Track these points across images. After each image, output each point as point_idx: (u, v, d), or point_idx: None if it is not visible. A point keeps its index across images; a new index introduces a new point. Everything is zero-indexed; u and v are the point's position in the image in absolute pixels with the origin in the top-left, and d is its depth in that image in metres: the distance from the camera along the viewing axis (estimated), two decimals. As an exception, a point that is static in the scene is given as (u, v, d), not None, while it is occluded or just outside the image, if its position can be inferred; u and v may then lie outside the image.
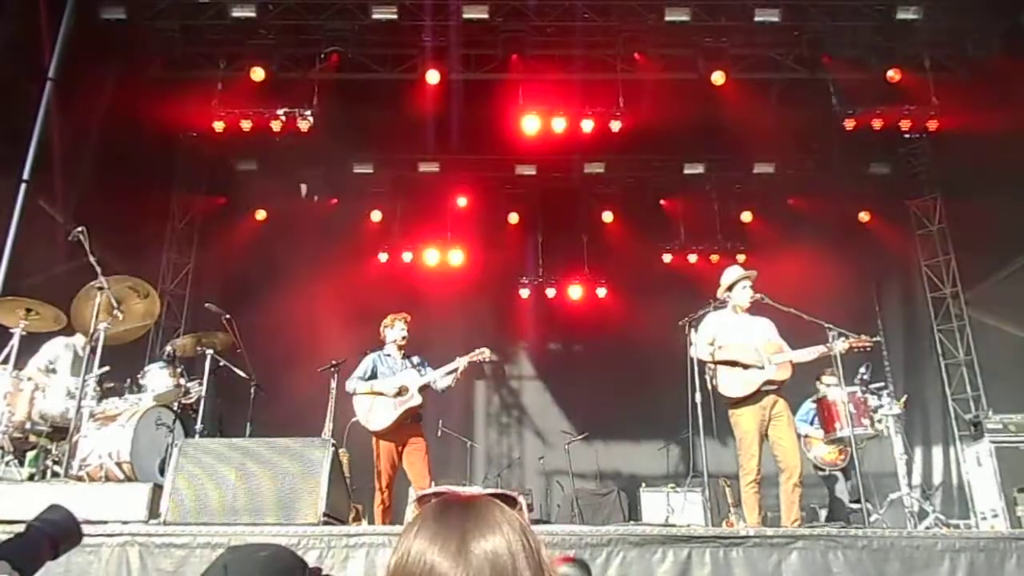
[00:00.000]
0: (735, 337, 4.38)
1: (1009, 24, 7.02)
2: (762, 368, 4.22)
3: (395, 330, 4.87)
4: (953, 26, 7.29)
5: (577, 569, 1.12)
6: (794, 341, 4.54)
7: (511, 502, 0.87)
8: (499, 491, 0.88)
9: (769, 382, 4.24)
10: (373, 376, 4.76)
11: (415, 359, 4.88)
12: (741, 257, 9.10)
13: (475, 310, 8.60)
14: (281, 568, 1.19)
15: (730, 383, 4.29)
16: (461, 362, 4.69)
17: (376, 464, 4.63)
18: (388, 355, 4.87)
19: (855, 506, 4.86)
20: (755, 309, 4.52)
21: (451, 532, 0.79)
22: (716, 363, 4.33)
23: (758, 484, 4.18)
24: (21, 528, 0.83)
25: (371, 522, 4.95)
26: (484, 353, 4.75)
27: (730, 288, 4.51)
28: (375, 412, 4.64)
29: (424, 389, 4.71)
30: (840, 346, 4.16)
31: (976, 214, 7.86)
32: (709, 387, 4.35)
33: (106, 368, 4.28)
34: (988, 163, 7.15)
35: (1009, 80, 6.85)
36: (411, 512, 0.91)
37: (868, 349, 4.31)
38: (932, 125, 7.69)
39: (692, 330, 4.51)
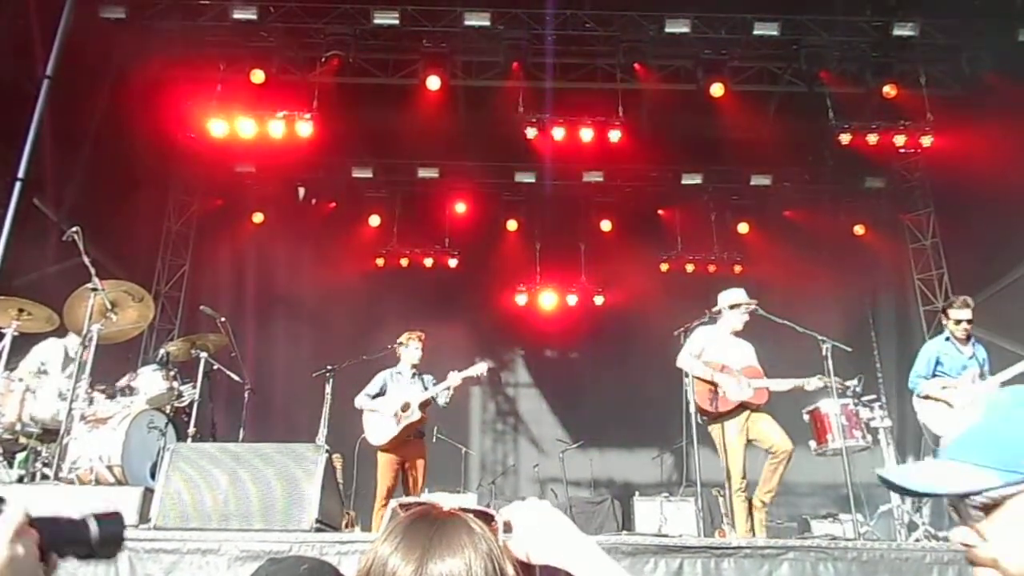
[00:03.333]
0: (721, 356, 4.51)
1: (1004, 42, 7.11)
2: (739, 388, 4.39)
3: (410, 350, 4.93)
4: (949, 43, 7.38)
5: None
6: (788, 352, 4.57)
7: (489, 519, 0.85)
8: (476, 508, 0.86)
9: (744, 404, 4.40)
10: (382, 394, 4.85)
11: (426, 378, 4.93)
12: (737, 268, 9.15)
13: (472, 317, 8.59)
14: None
15: (706, 399, 4.44)
16: (457, 377, 4.75)
17: (378, 477, 4.69)
18: (400, 373, 4.93)
19: None
20: (741, 332, 4.67)
21: (413, 548, 0.79)
22: (696, 378, 4.46)
23: (745, 492, 4.30)
24: (76, 515, 0.84)
25: (364, 531, 4.94)
26: (481, 368, 4.80)
27: (732, 307, 4.62)
28: (377, 427, 4.75)
29: (426, 405, 4.78)
30: (814, 383, 4.38)
31: (969, 229, 7.94)
32: (687, 398, 4.45)
33: (102, 387, 4.29)
34: (981, 179, 7.22)
35: (1003, 97, 6.93)
36: (388, 515, 0.89)
37: (840, 387, 4.44)
38: (927, 141, 7.77)
39: (686, 340, 4.58)
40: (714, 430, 4.43)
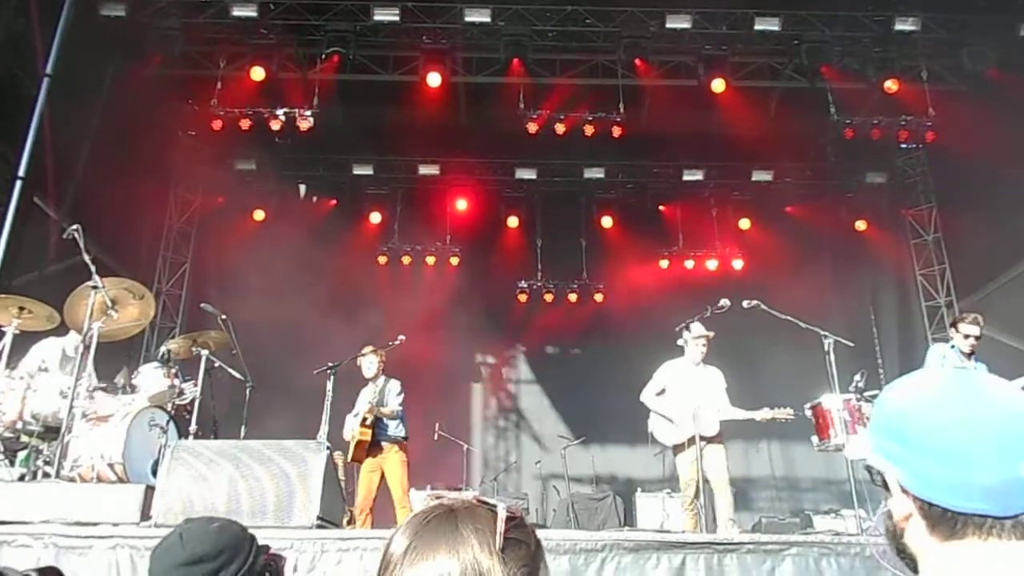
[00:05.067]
0: (683, 390, 4.78)
1: (1006, 37, 7.07)
2: (694, 421, 4.61)
3: (363, 365, 5.15)
4: (951, 38, 7.35)
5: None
6: (790, 348, 4.57)
7: (492, 512, 0.84)
8: (485, 500, 0.84)
9: (700, 436, 4.59)
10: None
11: (390, 385, 5.10)
12: (738, 264, 9.14)
13: (473, 313, 8.58)
14: (230, 538, 1.34)
15: (664, 432, 4.78)
16: (370, 352, 5.02)
17: (355, 485, 4.91)
18: (365, 388, 5.15)
19: None
20: (709, 359, 4.94)
21: (421, 543, 0.78)
22: (657, 413, 4.81)
23: (693, 507, 4.56)
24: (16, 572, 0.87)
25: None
26: (399, 339, 5.02)
27: (685, 342, 4.91)
28: (348, 441, 4.96)
29: (372, 413, 4.91)
30: (764, 414, 4.70)
31: (971, 224, 7.91)
32: (649, 428, 4.84)
33: (103, 385, 4.31)
34: (983, 174, 7.19)
35: (1005, 92, 6.90)
36: (424, 503, 0.87)
37: (788, 420, 4.69)
38: (928, 136, 7.74)
39: (688, 334, 4.62)
40: (676, 459, 4.81)
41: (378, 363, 5.11)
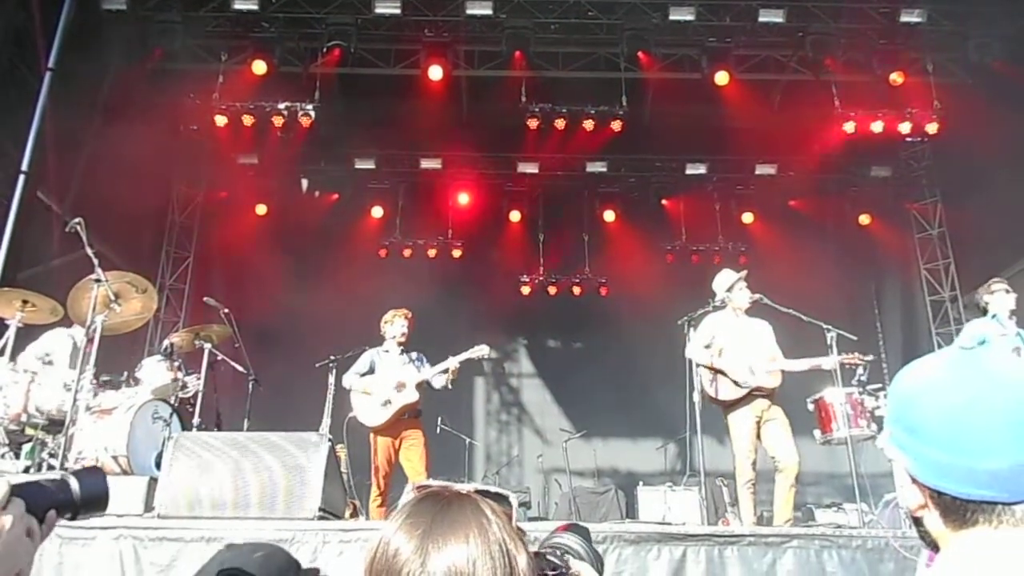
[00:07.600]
0: (734, 341, 4.43)
1: (1012, 29, 7.01)
2: (753, 375, 4.31)
3: (395, 327, 4.87)
4: (956, 30, 7.28)
5: (574, 536, 1.07)
6: (793, 342, 4.55)
7: (504, 501, 0.82)
8: (490, 488, 0.83)
9: (759, 388, 4.32)
10: (371, 372, 4.77)
11: (413, 355, 4.87)
12: (742, 258, 9.11)
13: (476, 308, 8.59)
14: (276, 568, 1.21)
15: (721, 386, 4.37)
16: (457, 359, 4.68)
17: (373, 460, 4.63)
18: (387, 351, 4.87)
19: None
20: (753, 310, 4.58)
21: (416, 525, 0.76)
22: (709, 368, 4.39)
23: (753, 485, 4.28)
24: (55, 475, 0.84)
25: (367, 519, 4.95)
26: (483, 350, 4.73)
27: (729, 289, 4.55)
28: (370, 408, 4.66)
29: (421, 386, 4.71)
30: (831, 361, 4.30)
31: (976, 218, 7.86)
32: (699, 387, 4.39)
33: (107, 378, 4.32)
34: (988, 167, 7.14)
35: (1011, 85, 6.84)
36: (404, 498, 0.86)
37: (858, 366, 4.37)
38: (933, 129, 7.69)
39: (691, 329, 4.55)
40: (727, 419, 4.41)
41: (408, 327, 4.79)
